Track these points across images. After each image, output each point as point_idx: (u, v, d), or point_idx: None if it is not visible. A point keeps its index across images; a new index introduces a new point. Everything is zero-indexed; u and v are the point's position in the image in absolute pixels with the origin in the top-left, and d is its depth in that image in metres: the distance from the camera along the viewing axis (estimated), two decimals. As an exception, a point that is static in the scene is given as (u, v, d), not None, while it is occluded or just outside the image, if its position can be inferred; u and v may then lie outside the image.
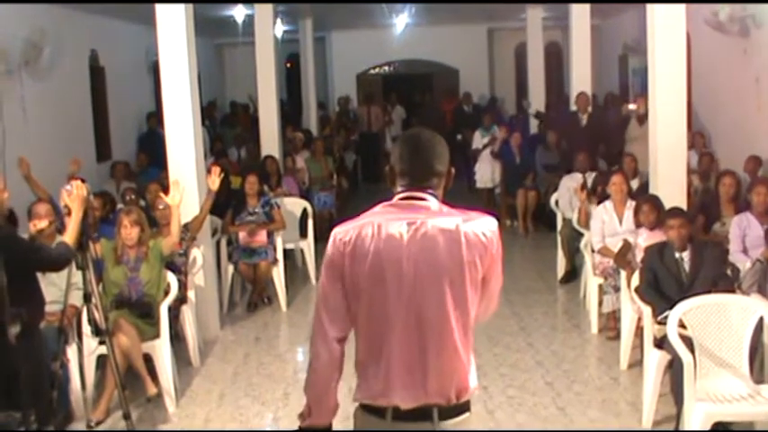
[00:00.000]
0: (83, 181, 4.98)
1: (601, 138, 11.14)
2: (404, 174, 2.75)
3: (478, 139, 13.22)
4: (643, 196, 6.94)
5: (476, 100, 17.41)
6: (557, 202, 9.63)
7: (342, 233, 2.70)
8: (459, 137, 14.72)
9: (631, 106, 10.51)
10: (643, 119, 10.40)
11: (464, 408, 2.71)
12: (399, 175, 2.76)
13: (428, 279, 2.61)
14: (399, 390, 2.63)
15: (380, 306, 2.64)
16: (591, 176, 9.26)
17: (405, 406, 2.63)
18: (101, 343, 5.12)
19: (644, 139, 10.10)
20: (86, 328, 5.27)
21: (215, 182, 7.29)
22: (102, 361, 5.80)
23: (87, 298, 4.90)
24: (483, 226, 2.69)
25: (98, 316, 4.90)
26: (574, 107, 11.49)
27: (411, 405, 2.63)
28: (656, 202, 6.54)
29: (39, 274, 4.83)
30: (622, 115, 10.93)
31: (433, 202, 2.71)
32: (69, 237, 4.65)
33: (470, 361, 2.72)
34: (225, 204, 8.78)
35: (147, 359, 5.96)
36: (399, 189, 2.76)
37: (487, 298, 2.78)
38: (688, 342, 4.90)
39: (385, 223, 2.65)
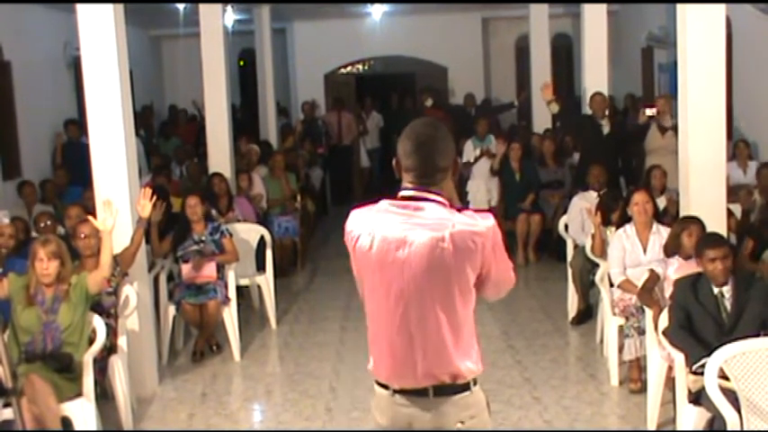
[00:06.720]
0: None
1: (624, 149, 11.13)
2: (408, 170, 3.43)
3: (470, 151, 13.18)
4: (685, 216, 6.80)
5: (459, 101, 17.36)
6: (566, 227, 9.61)
7: (351, 225, 3.48)
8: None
9: (649, 111, 10.53)
10: (665, 127, 10.40)
11: (464, 387, 3.45)
12: (405, 171, 3.45)
13: (418, 283, 3.34)
14: (394, 377, 3.46)
15: (378, 303, 3.44)
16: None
17: (399, 387, 3.46)
18: (5, 405, 5.00)
19: (666, 152, 10.14)
20: (-14, 389, 5.14)
21: (145, 208, 7.22)
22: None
23: (-12, 349, 4.78)
24: (472, 231, 3.33)
25: (2, 371, 4.76)
26: (588, 111, 11.45)
27: (407, 387, 3.44)
28: (702, 224, 6.43)
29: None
30: (640, 123, 10.95)
31: (430, 206, 3.36)
32: None
33: (466, 349, 3.43)
34: (165, 232, 8.70)
35: (67, 423, 5.85)
36: (405, 185, 3.45)
37: (493, 285, 3.49)
38: (731, 396, 4.89)
39: (384, 227, 3.37)
